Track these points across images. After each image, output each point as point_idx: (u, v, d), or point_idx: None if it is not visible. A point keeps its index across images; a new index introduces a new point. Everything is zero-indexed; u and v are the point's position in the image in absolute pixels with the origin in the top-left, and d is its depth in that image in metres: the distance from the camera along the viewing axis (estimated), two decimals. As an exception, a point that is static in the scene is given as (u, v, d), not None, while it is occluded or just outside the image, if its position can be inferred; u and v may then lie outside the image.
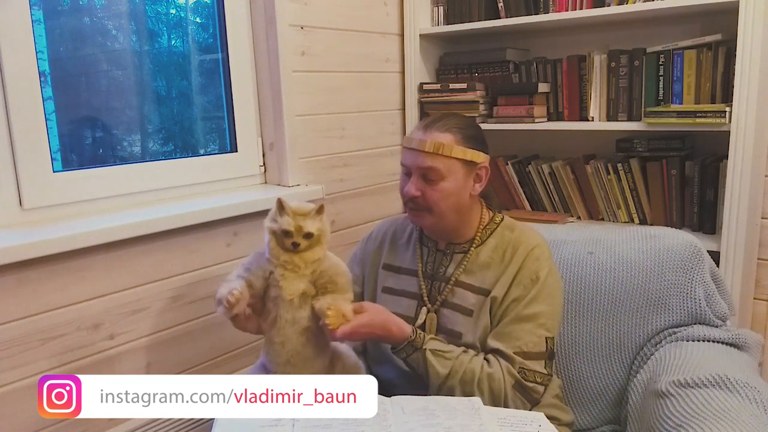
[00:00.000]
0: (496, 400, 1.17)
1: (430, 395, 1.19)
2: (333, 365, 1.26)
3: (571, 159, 2.06)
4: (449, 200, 1.22)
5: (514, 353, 1.18)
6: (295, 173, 1.85)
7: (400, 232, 1.41)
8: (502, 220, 1.32)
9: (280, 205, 1.16)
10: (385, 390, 1.37)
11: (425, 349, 1.19)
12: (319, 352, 1.22)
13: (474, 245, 1.29)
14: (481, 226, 1.30)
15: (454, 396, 1.18)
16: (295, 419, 0.99)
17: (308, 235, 1.14)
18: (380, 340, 1.22)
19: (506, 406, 1.17)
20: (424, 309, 1.30)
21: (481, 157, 1.24)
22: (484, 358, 1.21)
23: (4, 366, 1.27)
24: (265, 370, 1.23)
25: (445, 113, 1.29)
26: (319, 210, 1.17)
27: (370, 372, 1.42)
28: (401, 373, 1.27)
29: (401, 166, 1.28)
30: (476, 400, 1.10)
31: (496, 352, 1.20)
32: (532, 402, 1.20)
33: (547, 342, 1.21)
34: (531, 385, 1.18)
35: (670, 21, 1.93)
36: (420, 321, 1.29)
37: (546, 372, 1.20)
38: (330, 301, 1.14)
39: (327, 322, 1.10)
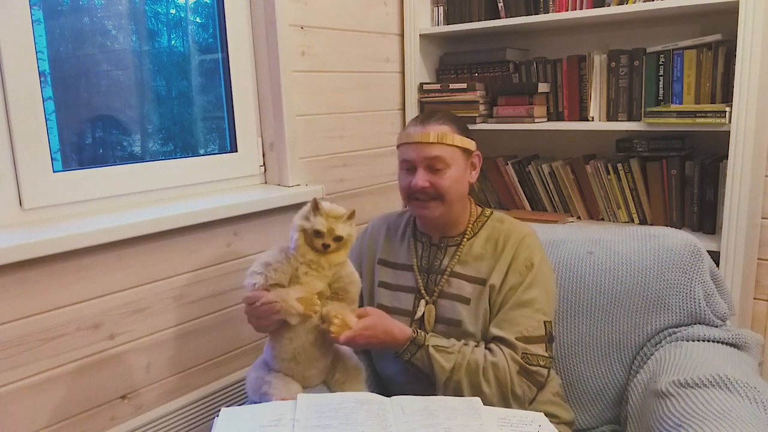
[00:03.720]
0: (502, 387, 1.19)
1: (438, 393, 1.21)
2: (334, 366, 1.27)
3: (571, 159, 2.06)
4: (456, 187, 1.27)
5: (515, 339, 1.22)
6: (295, 173, 1.85)
7: (393, 228, 1.44)
8: (491, 214, 1.37)
9: (315, 206, 1.17)
10: (387, 385, 1.39)
11: (428, 345, 1.21)
12: (324, 352, 1.23)
13: (466, 237, 1.33)
14: (472, 219, 1.35)
15: (461, 390, 1.19)
16: (295, 419, 1.00)
17: (338, 238, 1.16)
18: (382, 345, 1.23)
19: (513, 392, 1.19)
20: (423, 302, 1.32)
21: (474, 145, 1.31)
22: (486, 348, 1.23)
23: (4, 366, 1.27)
24: (268, 367, 1.23)
25: (431, 110, 1.34)
26: (351, 215, 1.19)
27: (372, 369, 1.43)
28: (403, 368, 1.29)
29: (402, 162, 1.30)
30: (476, 401, 1.10)
31: (499, 339, 1.23)
32: (537, 385, 1.23)
33: (545, 326, 1.25)
34: (535, 368, 1.21)
35: (670, 21, 1.93)
36: (419, 313, 1.31)
37: (547, 355, 1.24)
38: (338, 309, 1.17)
39: (331, 329, 1.13)
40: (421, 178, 1.25)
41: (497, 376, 1.19)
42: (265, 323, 1.18)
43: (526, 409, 1.24)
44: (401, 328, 1.23)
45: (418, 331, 1.24)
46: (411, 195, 1.29)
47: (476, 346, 1.24)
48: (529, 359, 1.21)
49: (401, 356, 1.23)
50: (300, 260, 1.17)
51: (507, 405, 1.20)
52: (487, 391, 1.18)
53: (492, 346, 1.23)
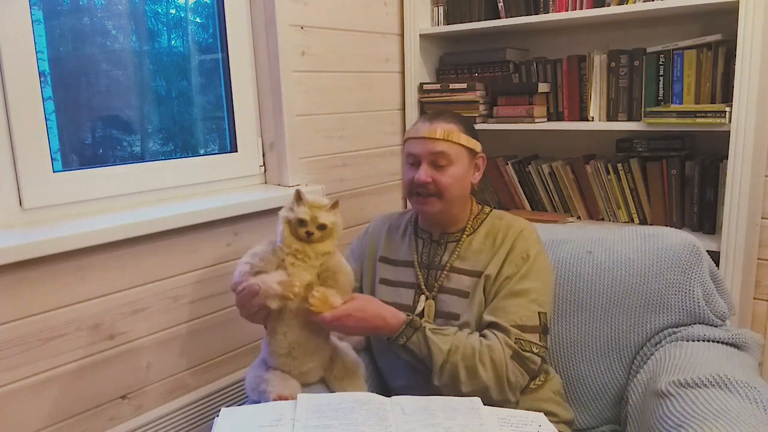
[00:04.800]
0: (498, 370, 1.19)
1: (433, 378, 1.21)
2: (333, 362, 1.27)
3: (571, 159, 2.06)
4: (457, 185, 1.29)
5: (510, 326, 1.22)
6: (295, 173, 1.85)
7: (394, 227, 1.46)
8: (491, 211, 1.39)
9: (298, 196, 1.20)
10: (389, 380, 1.40)
11: (424, 327, 1.21)
12: (320, 346, 1.23)
13: (466, 233, 1.35)
14: (472, 216, 1.37)
15: (458, 374, 1.19)
16: (295, 419, 1.00)
17: (322, 226, 1.18)
18: (374, 330, 1.23)
19: (507, 378, 1.19)
20: (422, 297, 1.33)
21: (479, 147, 1.33)
22: (481, 335, 1.24)
23: (4, 366, 1.27)
24: (266, 365, 1.23)
25: (440, 110, 1.35)
26: (334, 205, 1.21)
27: (374, 365, 1.44)
28: (404, 363, 1.29)
29: (408, 156, 1.33)
30: (476, 401, 1.10)
31: (492, 325, 1.24)
32: (530, 373, 1.23)
33: (540, 317, 1.25)
34: (528, 354, 1.21)
35: (670, 21, 1.93)
36: (419, 309, 1.32)
37: (541, 344, 1.24)
38: (321, 290, 1.16)
39: (310, 302, 1.13)
40: (424, 173, 1.27)
41: (493, 358, 1.18)
42: (248, 307, 1.17)
43: (519, 399, 1.25)
44: (393, 313, 1.23)
45: (412, 315, 1.24)
46: (412, 190, 1.30)
47: (471, 333, 1.24)
48: (522, 345, 1.21)
49: (396, 341, 1.21)
50: (286, 251, 1.18)
51: (502, 390, 1.19)
52: (483, 374, 1.18)
53: (486, 332, 1.24)
